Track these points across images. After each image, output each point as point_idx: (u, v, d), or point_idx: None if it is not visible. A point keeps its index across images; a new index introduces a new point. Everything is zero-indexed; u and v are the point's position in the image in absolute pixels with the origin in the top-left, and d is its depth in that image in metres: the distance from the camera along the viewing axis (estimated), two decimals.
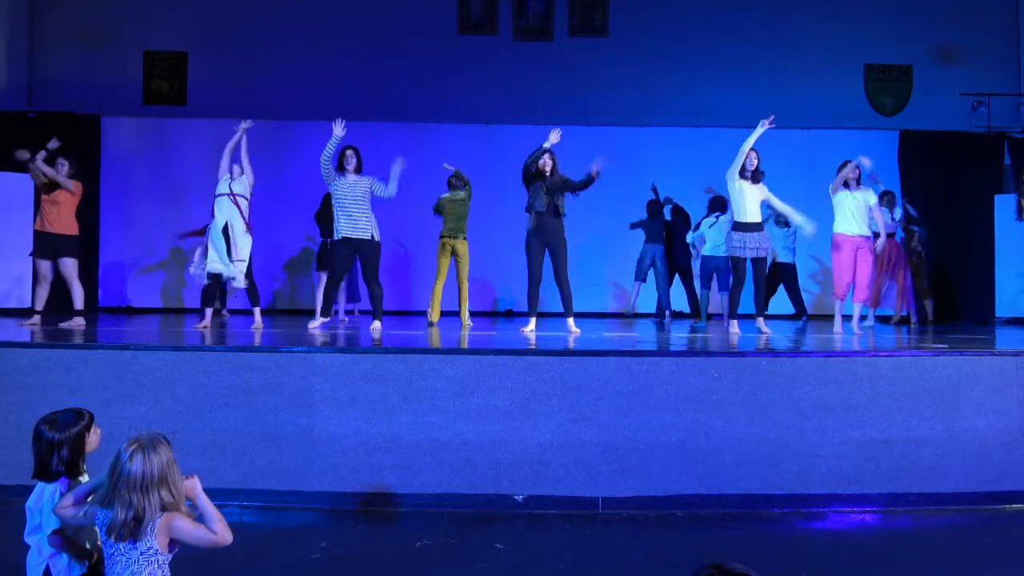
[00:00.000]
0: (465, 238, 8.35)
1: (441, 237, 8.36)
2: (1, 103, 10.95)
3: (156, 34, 11.48)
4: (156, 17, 11.48)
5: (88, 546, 2.85)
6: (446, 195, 8.40)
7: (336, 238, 7.23)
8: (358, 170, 7.26)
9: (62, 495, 2.81)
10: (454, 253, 8.29)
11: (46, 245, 7.37)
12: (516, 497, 4.93)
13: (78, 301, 7.40)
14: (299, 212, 10.94)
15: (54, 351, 5.22)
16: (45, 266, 7.42)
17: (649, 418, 4.99)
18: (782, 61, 11.44)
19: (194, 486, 2.61)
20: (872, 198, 7.44)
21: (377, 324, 7.21)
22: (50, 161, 7.27)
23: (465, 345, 6.15)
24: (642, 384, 5.03)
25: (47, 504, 2.82)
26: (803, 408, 5.06)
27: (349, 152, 7.22)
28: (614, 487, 4.93)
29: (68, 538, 2.81)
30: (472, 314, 8.74)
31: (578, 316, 7.41)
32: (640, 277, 9.81)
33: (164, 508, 2.48)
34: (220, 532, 2.52)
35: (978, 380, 5.17)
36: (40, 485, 2.88)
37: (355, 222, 7.15)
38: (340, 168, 7.20)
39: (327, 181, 7.22)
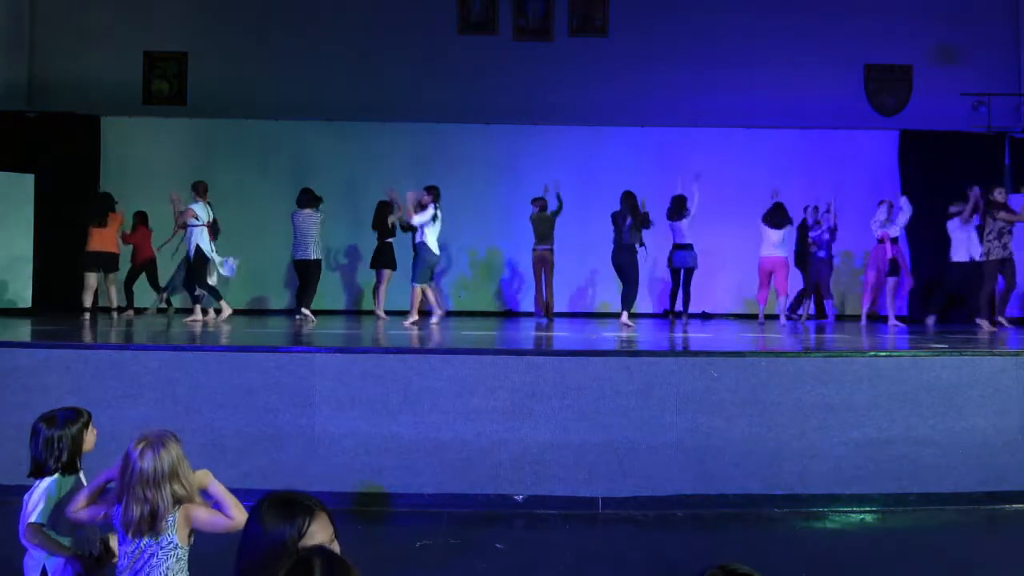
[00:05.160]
0: (552, 249, 9.55)
1: (533, 249, 9.55)
2: (1, 103, 10.94)
3: (156, 34, 11.47)
4: (156, 17, 11.47)
5: (68, 544, 2.81)
6: (535, 213, 9.51)
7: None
8: None
9: (58, 494, 2.81)
10: (543, 262, 9.53)
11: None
12: (516, 497, 4.93)
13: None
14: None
15: (54, 351, 5.22)
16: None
17: (649, 418, 4.99)
18: (782, 61, 11.43)
19: (207, 475, 2.64)
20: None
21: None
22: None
23: (467, 345, 6.14)
24: (642, 384, 5.02)
25: (33, 496, 2.80)
26: (803, 408, 5.05)
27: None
28: (614, 487, 4.93)
29: (43, 532, 2.78)
30: (474, 314, 8.80)
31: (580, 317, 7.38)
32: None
33: (178, 501, 2.50)
34: (237, 517, 2.53)
35: (978, 380, 5.17)
36: (35, 483, 2.87)
37: None
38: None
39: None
